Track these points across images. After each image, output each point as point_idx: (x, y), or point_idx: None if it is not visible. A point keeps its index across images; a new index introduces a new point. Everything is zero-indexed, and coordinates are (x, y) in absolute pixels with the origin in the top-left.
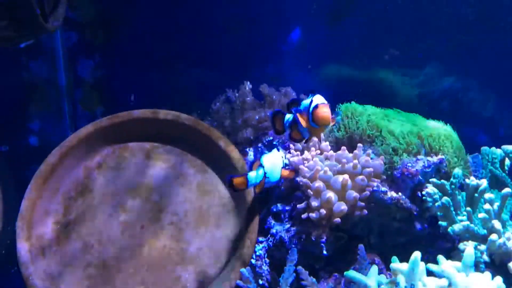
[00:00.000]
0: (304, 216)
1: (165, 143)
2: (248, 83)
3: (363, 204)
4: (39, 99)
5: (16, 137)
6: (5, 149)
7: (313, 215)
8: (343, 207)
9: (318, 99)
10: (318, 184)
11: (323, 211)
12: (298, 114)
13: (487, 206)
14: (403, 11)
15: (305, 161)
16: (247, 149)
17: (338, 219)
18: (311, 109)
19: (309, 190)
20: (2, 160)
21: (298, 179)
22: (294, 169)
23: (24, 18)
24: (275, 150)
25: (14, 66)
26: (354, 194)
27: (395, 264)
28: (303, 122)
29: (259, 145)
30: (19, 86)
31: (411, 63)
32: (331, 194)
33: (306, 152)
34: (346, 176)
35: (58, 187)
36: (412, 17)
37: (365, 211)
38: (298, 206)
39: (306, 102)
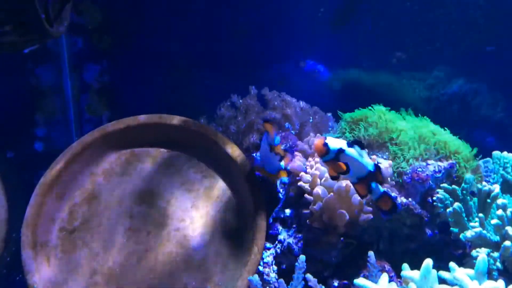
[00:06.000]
0: (308, 222)
1: (171, 148)
2: (254, 88)
3: (370, 208)
4: (45, 104)
5: (22, 143)
6: (10, 155)
7: (315, 222)
8: (345, 215)
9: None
10: (317, 190)
11: (325, 216)
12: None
13: (499, 212)
14: (411, 14)
15: (308, 168)
16: (254, 155)
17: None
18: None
19: (308, 195)
20: (8, 166)
21: (299, 184)
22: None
23: (29, 23)
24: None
25: (20, 72)
26: (359, 198)
27: (406, 271)
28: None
29: None
30: (25, 92)
31: (419, 66)
32: (332, 200)
33: (310, 158)
34: (349, 182)
35: (64, 193)
36: (420, 20)
37: (371, 216)
38: (303, 211)
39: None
